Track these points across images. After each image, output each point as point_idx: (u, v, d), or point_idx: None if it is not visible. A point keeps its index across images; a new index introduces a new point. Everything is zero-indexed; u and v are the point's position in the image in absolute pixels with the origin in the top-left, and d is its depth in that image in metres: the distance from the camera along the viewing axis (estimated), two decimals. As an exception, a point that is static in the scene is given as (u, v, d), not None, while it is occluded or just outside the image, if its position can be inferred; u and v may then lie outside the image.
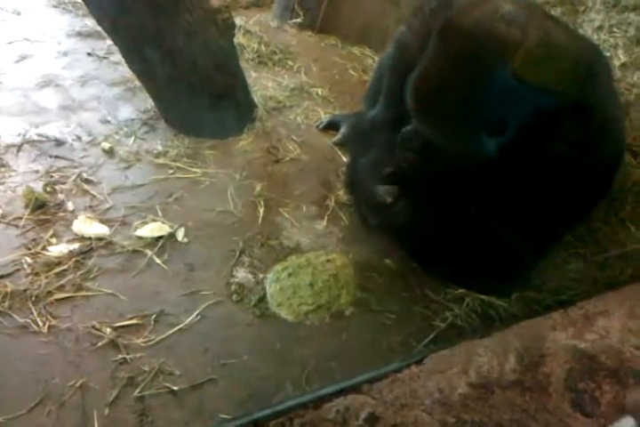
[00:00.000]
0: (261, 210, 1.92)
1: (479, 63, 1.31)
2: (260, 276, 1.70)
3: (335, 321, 1.61)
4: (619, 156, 1.60)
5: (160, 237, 1.77)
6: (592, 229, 1.87)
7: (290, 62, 2.76)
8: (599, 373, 1.35)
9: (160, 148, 2.14)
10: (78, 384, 1.39)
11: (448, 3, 1.43)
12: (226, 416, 1.34)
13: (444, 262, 1.67)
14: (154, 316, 1.56)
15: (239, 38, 2.71)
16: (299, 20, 3.00)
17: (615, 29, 3.16)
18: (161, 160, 2.09)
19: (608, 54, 2.93)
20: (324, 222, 1.91)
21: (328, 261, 1.74)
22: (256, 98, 2.38)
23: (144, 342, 1.49)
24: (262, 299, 1.63)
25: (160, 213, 1.86)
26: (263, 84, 2.55)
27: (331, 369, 1.48)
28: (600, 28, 3.20)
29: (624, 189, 2.02)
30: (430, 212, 1.56)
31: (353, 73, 2.76)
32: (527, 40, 1.28)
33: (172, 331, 1.53)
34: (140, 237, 1.76)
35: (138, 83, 2.29)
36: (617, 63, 2.88)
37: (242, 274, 1.70)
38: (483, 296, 1.67)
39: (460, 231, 1.53)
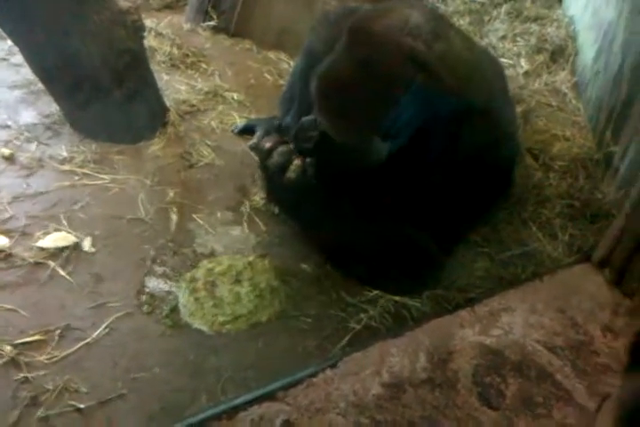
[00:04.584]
0: (174, 217, 1.87)
1: (383, 68, 1.34)
2: (173, 285, 1.65)
3: (252, 328, 1.59)
4: (514, 156, 1.69)
5: (64, 248, 1.68)
6: (497, 229, 1.95)
7: (204, 65, 2.71)
8: (504, 367, 1.42)
9: (65, 153, 2.04)
10: (-25, 407, 1.30)
11: (352, 11, 1.46)
12: (136, 432, 1.29)
13: (358, 265, 1.69)
14: (58, 331, 1.48)
15: (150, 41, 2.63)
16: (212, 23, 2.95)
17: (518, 39, 3.33)
18: (66, 166, 1.99)
19: (512, 62, 3.10)
20: (240, 228, 1.88)
21: (245, 267, 1.72)
22: (168, 101, 2.32)
23: (47, 359, 1.42)
24: (174, 309, 1.58)
25: (64, 222, 1.77)
26: (176, 88, 2.49)
27: (247, 378, 1.46)
28: (504, 37, 3.36)
29: (526, 190, 2.12)
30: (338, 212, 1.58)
31: (269, 77, 2.75)
32: (430, 48, 1.33)
33: (77, 346, 1.46)
34: (42, 249, 1.67)
35: (41, 86, 2.17)
36: (520, 71, 3.04)
37: (153, 284, 1.65)
38: (396, 297, 1.71)
39: (369, 234, 1.56)
